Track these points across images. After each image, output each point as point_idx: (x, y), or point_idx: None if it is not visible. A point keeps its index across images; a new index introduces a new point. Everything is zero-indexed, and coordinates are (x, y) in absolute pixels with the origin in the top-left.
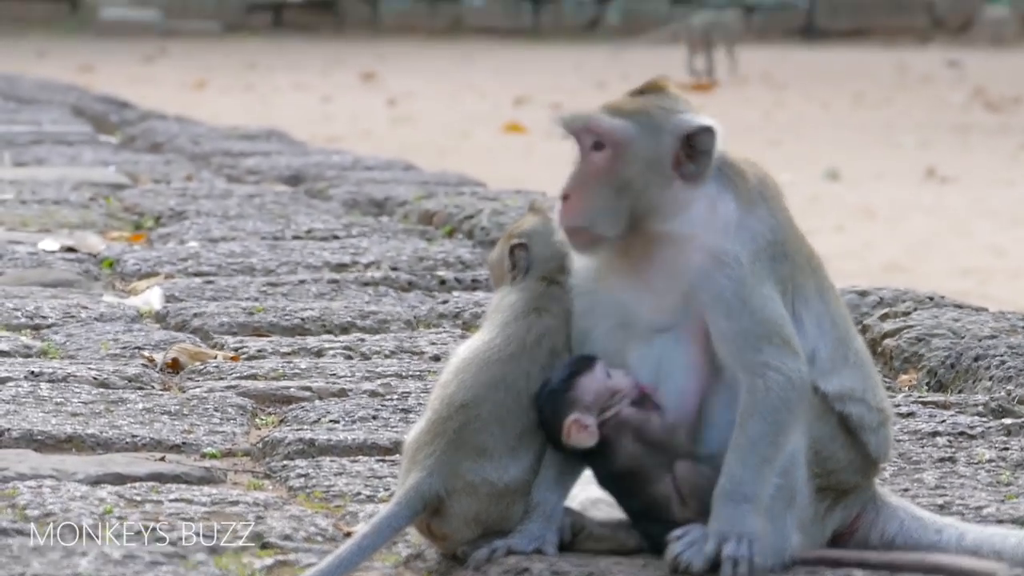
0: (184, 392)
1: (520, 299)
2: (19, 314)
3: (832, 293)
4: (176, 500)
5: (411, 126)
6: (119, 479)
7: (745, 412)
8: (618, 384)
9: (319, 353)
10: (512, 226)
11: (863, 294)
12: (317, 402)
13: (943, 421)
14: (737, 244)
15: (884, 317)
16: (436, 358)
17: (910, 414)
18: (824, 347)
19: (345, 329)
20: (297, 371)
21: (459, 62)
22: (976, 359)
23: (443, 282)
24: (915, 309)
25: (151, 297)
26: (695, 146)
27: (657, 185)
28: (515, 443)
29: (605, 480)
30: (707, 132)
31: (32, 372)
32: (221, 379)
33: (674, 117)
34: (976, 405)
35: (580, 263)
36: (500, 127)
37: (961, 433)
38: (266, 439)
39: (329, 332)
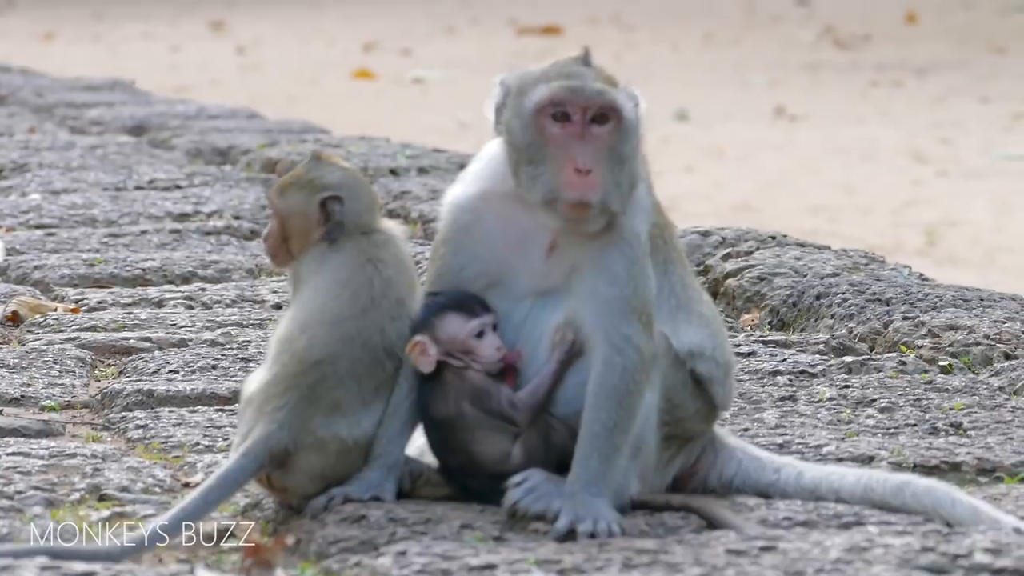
0: (23, 345)
1: (349, 253)
2: None
3: (678, 263)
4: (14, 454)
5: (260, 74)
6: None
7: (600, 392)
8: (478, 350)
9: (160, 303)
10: (295, 177)
11: (705, 234)
12: (157, 353)
13: (784, 360)
14: (641, 223)
15: (726, 257)
16: (278, 306)
17: (751, 354)
18: (663, 313)
19: (186, 279)
20: (137, 322)
21: (308, 8)
22: (818, 297)
23: None
24: (757, 248)
25: None
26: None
27: (636, 160)
28: (369, 398)
29: (428, 427)
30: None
31: None
32: (61, 331)
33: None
34: (817, 343)
35: (454, 216)
36: (349, 73)
37: (802, 372)
38: (105, 391)
39: (170, 282)
